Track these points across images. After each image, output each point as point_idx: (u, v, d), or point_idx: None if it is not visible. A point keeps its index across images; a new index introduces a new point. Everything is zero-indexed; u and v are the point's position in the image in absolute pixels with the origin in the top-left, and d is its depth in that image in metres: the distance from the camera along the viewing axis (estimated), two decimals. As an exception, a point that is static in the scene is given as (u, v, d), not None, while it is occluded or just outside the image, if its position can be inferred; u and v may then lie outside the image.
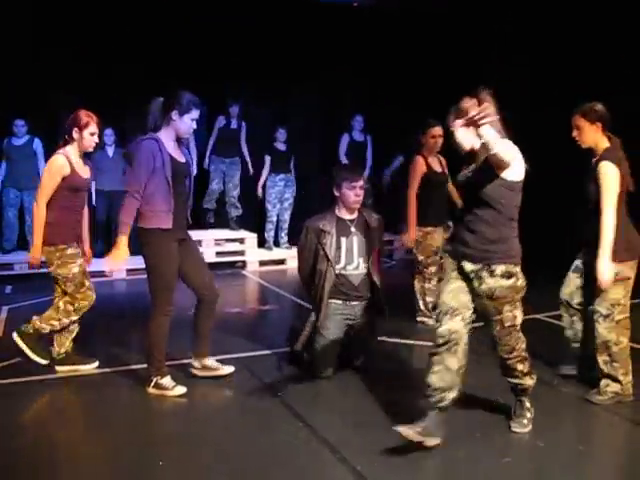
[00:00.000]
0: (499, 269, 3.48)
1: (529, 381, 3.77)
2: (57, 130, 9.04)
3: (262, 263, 9.14)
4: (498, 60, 9.49)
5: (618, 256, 4.00)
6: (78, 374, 4.79)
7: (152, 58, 8.98)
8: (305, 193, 9.70)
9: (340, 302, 4.75)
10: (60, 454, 3.61)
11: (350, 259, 4.74)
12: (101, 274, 8.45)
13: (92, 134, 4.62)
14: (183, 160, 4.40)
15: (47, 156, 8.48)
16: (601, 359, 4.22)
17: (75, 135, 4.61)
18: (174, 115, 4.23)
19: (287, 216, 9.46)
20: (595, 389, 4.27)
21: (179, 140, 4.38)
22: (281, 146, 9.30)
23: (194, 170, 4.89)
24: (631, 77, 7.67)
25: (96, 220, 8.62)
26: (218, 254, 8.98)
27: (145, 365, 4.50)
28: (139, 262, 4.45)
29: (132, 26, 8.92)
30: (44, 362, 4.71)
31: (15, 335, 4.72)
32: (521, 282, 3.56)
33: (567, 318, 4.61)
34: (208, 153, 9.27)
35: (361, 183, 4.74)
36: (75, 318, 4.74)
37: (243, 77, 9.57)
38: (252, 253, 9.22)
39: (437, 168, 5.96)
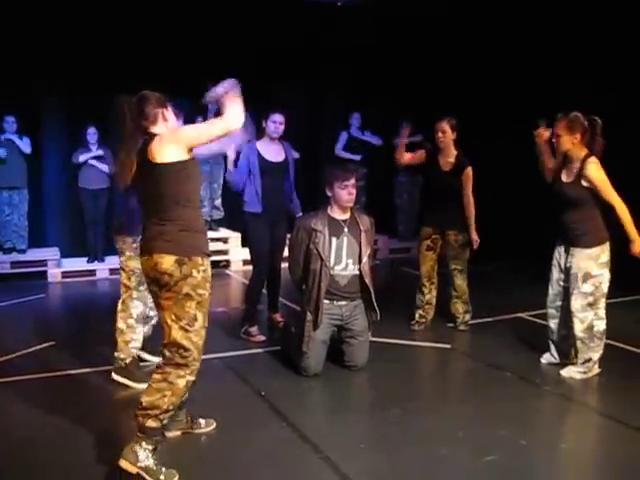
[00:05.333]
0: None
1: None
2: (40, 128, 9.17)
3: (246, 262, 9.10)
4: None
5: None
6: (63, 374, 4.78)
7: (134, 55, 8.90)
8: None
9: (327, 302, 4.72)
10: (47, 453, 3.59)
11: (339, 259, 4.72)
12: (88, 274, 8.45)
13: None
14: None
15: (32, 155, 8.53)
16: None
17: None
18: None
19: None
20: (459, 323, 5.85)
21: None
22: None
23: None
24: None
25: (85, 219, 8.57)
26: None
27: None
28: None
29: (115, 22, 8.84)
30: None
31: (114, 376, 4.54)
32: None
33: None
34: None
35: (353, 182, 4.72)
36: (140, 326, 4.59)
37: (224, 74, 9.51)
38: (236, 252, 9.20)
39: None
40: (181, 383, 3.20)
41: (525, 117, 8.56)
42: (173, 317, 3.17)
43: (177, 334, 3.17)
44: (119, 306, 4.55)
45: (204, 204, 9.17)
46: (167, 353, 3.20)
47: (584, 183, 4.50)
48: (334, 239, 4.71)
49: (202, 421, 3.83)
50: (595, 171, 4.47)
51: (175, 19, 9.10)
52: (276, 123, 5.56)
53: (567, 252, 4.66)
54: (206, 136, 3.23)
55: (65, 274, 8.47)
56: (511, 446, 3.62)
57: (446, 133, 5.66)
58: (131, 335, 4.54)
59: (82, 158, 8.41)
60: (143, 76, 8.88)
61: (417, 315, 5.94)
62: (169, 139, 3.20)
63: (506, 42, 9.11)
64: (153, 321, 4.71)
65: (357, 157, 9.66)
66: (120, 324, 4.54)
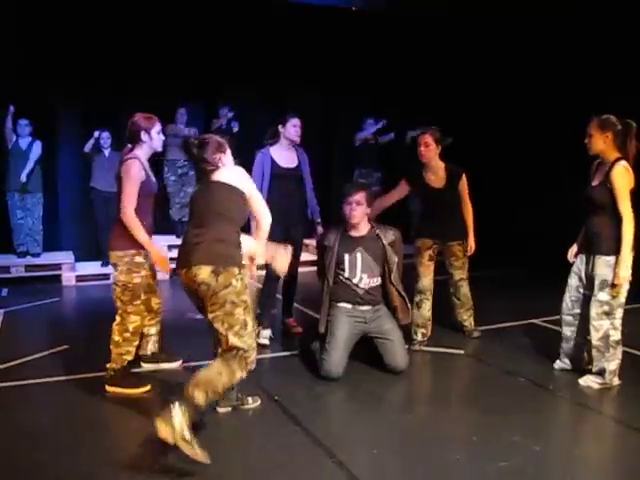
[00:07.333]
0: None
1: None
2: (55, 132, 9.24)
3: (259, 267, 9.08)
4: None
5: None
6: (77, 377, 4.80)
7: (148, 61, 8.97)
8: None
9: (350, 306, 4.86)
10: (61, 456, 3.61)
11: (353, 274, 4.84)
12: (102, 277, 8.48)
13: (159, 133, 4.56)
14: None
15: (44, 159, 8.59)
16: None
17: (144, 137, 4.50)
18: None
19: None
20: (469, 330, 5.76)
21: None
22: None
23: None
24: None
25: (97, 222, 8.59)
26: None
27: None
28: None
29: (129, 29, 8.91)
30: (147, 388, 4.52)
31: (108, 388, 4.50)
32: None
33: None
34: None
35: (356, 198, 4.74)
36: (136, 339, 4.60)
37: (239, 81, 9.58)
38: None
39: None
40: (237, 374, 3.47)
41: (551, 122, 8.57)
42: (226, 325, 3.37)
43: (234, 340, 3.41)
44: (116, 319, 4.54)
45: None
46: (229, 355, 3.44)
47: (609, 185, 4.37)
48: (346, 255, 4.83)
49: (250, 399, 4.25)
50: (619, 174, 4.34)
51: (191, 25, 9.17)
52: (297, 127, 5.56)
53: (588, 260, 4.58)
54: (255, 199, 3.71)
55: (79, 278, 8.53)
56: (524, 452, 3.60)
57: (430, 146, 5.26)
58: (126, 348, 4.53)
59: (87, 147, 8.58)
60: (158, 81, 9.02)
61: (420, 334, 5.53)
62: (239, 173, 3.64)
63: (516, 49, 9.12)
64: (155, 338, 4.91)
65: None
66: (116, 337, 4.52)
